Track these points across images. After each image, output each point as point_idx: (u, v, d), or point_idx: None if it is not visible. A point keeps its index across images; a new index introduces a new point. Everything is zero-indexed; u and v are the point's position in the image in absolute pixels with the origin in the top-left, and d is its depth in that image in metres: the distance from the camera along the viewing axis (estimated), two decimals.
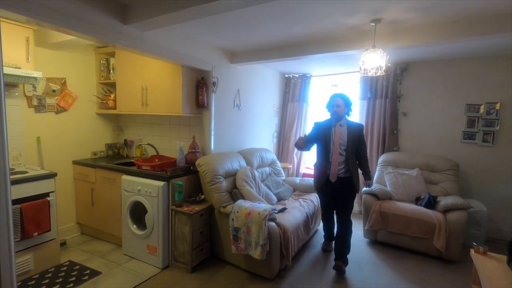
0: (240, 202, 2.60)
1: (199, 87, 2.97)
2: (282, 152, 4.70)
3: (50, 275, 2.47)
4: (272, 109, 4.47)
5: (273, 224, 2.45)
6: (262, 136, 4.21)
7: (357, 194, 2.75)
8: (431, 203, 3.03)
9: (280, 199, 3.32)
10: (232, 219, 2.48)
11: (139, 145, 3.41)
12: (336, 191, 2.63)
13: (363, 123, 4.04)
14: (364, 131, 2.72)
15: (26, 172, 2.51)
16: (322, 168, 2.65)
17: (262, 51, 3.15)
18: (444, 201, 2.97)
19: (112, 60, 3.29)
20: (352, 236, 2.70)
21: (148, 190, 2.61)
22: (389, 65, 3.67)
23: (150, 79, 2.99)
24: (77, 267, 2.61)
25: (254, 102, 3.90)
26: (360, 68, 2.35)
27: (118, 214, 2.89)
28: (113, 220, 3.00)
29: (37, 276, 2.45)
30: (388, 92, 3.85)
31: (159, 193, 2.56)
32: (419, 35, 2.35)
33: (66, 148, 3.20)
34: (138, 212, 2.76)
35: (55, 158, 3.10)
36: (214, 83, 3.03)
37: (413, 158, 3.58)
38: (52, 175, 2.55)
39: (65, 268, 2.59)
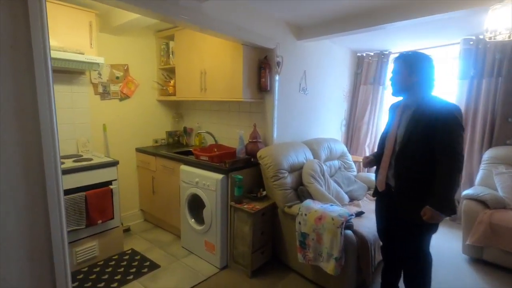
0: (309, 202, 2.21)
1: (262, 68, 2.61)
2: (351, 142, 4.12)
3: (113, 262, 2.47)
4: (341, 93, 3.89)
5: (349, 232, 2.01)
6: (329, 124, 3.70)
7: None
8: None
9: (352, 199, 2.83)
10: (299, 223, 2.11)
11: (198, 133, 3.25)
12: (387, 209, 1.78)
13: (462, 108, 3.21)
14: (453, 120, 1.51)
15: (91, 159, 2.51)
16: (376, 169, 1.85)
17: (334, 23, 2.62)
18: None
19: (171, 44, 3.14)
20: (432, 266, 1.76)
21: (206, 183, 2.39)
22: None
23: (209, 62, 2.74)
24: (138, 257, 2.57)
25: (321, 85, 3.40)
26: (487, 31, 1.68)
27: (177, 205, 2.77)
28: (172, 211, 2.90)
29: (102, 262, 2.46)
30: (503, 68, 2.95)
31: (218, 187, 2.32)
32: None
33: (129, 135, 3.20)
34: (196, 205, 2.58)
35: (120, 145, 3.12)
36: (278, 63, 2.64)
37: None
38: (114, 163, 2.51)
39: (127, 256, 2.57)
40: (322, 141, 3.10)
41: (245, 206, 2.26)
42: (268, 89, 2.64)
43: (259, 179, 2.55)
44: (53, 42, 2.29)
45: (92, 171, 2.36)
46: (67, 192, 2.20)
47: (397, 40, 3.33)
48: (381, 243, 2.02)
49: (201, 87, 2.82)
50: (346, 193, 2.83)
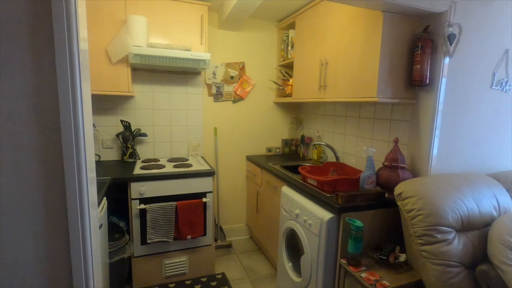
0: None
1: (416, 48, 1.59)
2: None
3: (199, 286, 2.15)
4: None
5: None
6: None
7: None
8: None
9: None
10: None
11: (315, 145, 2.52)
12: None
13: None
14: None
15: (191, 165, 2.30)
16: None
17: None
18: None
19: (291, 34, 2.57)
20: None
21: (307, 220, 1.65)
22: None
23: (332, 48, 1.97)
24: (225, 287, 2.15)
25: None
26: None
27: (277, 234, 2.17)
28: (272, 238, 2.33)
29: (189, 282, 2.20)
30: None
31: (322, 231, 1.53)
32: None
33: (241, 141, 2.89)
34: (296, 245, 1.88)
35: (230, 151, 2.86)
36: (451, 38, 1.53)
37: None
38: (210, 173, 2.19)
39: (215, 283, 2.20)
40: None
41: (363, 274, 1.37)
42: (427, 82, 1.59)
43: (396, 230, 1.56)
44: (163, 40, 2.21)
45: (186, 179, 2.12)
46: (159, 199, 2.05)
47: None
48: None
49: (319, 83, 2.10)
50: None
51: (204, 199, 2.16)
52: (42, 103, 0.94)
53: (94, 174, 1.11)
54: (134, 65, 2.16)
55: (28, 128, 0.93)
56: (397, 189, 1.48)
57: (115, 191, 2.04)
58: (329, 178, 1.72)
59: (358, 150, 2.19)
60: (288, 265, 1.91)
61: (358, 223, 1.41)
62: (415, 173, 1.68)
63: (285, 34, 2.69)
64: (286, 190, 1.97)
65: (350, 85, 1.80)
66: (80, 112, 0.99)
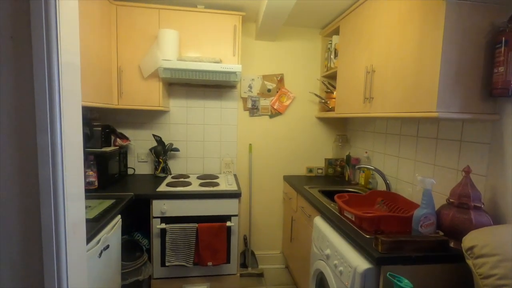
0: None
1: (498, 44, 1.16)
2: None
3: None
4: None
5: None
6: None
7: None
8: None
9: None
10: None
11: (360, 167, 2.12)
12: None
13: None
14: None
15: (218, 184, 2.14)
16: None
17: None
18: None
19: (335, 40, 2.27)
20: None
21: (338, 265, 1.31)
22: None
23: (379, 54, 1.62)
24: None
25: None
26: None
27: (309, 270, 1.83)
28: (306, 274, 1.99)
29: None
30: None
31: (355, 285, 1.17)
32: None
33: (278, 159, 2.65)
34: None
35: (266, 170, 2.63)
36: None
37: None
38: (236, 195, 1.99)
39: None
40: None
41: None
42: None
43: None
44: (195, 53, 2.15)
45: (210, 200, 1.96)
46: (180, 219, 1.92)
47: None
48: None
49: (364, 95, 1.75)
50: None
51: (228, 223, 1.96)
52: (20, 119, 0.87)
53: (80, 190, 1.01)
54: (166, 79, 2.14)
55: (7, 143, 0.87)
56: (468, 240, 1.05)
57: (144, 207, 1.99)
58: (369, 214, 1.35)
59: (416, 178, 1.74)
60: None
61: (405, 283, 1.03)
62: (496, 218, 1.20)
63: (329, 42, 2.40)
64: (318, 221, 1.65)
65: (402, 96, 1.43)
66: (59, 128, 0.89)
